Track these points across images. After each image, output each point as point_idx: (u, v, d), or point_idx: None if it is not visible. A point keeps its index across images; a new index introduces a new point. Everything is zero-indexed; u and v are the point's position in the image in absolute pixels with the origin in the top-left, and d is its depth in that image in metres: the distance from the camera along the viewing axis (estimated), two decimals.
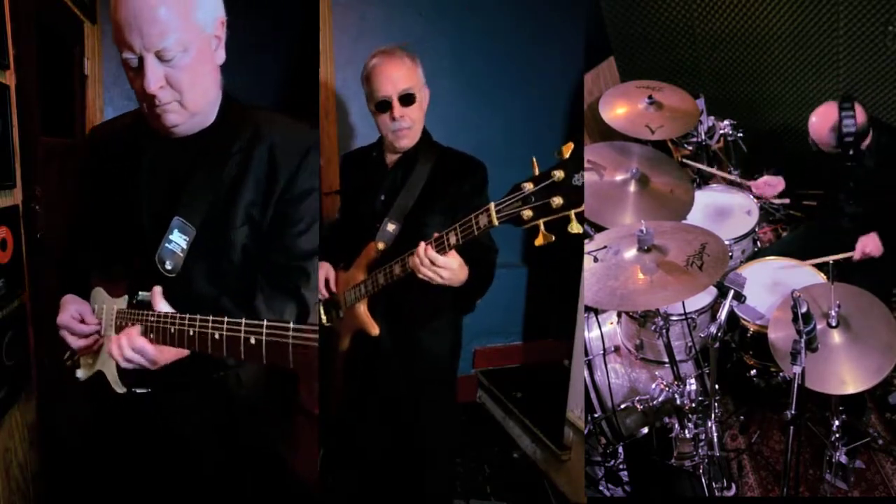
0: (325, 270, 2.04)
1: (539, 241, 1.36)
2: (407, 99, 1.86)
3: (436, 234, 1.61)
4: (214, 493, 1.59)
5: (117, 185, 1.48)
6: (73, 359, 1.61)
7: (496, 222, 1.43)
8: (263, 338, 1.03)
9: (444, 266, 1.61)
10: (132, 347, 1.28)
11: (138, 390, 1.41)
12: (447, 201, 1.88)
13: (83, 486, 1.72)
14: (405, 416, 2.03)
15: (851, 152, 2.36)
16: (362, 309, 1.94)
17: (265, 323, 1.03)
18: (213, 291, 1.43)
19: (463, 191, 1.89)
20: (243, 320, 1.08)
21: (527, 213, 1.35)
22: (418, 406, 2.02)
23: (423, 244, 1.61)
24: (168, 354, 1.30)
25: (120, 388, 1.45)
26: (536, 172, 1.35)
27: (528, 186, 1.34)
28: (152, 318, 1.29)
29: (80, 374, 1.59)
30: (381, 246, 1.88)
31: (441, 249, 1.60)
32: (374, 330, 1.93)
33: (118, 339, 1.30)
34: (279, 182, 1.40)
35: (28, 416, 1.94)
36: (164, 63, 1.27)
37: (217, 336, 1.12)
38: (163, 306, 1.29)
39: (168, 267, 1.37)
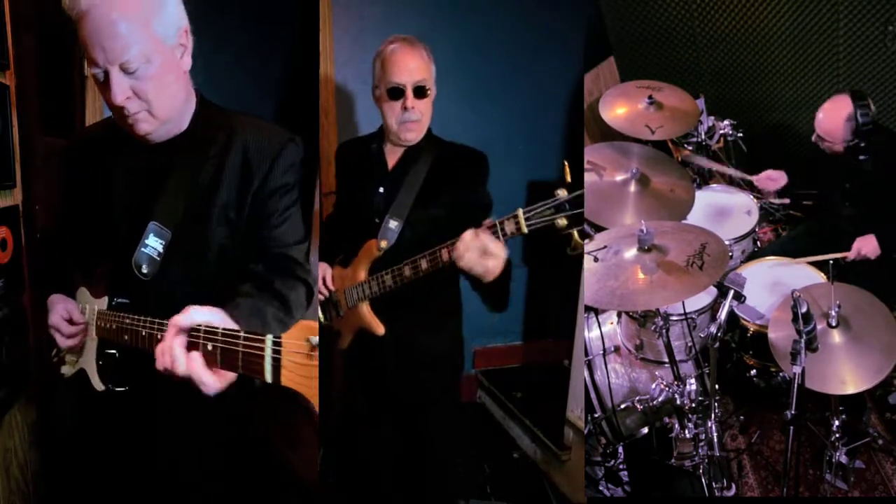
0: (323, 269, 2.01)
1: (572, 251, 1.31)
2: (420, 91, 1.82)
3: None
4: (205, 493, 1.61)
5: (97, 189, 1.52)
6: (59, 356, 1.63)
7: (525, 230, 1.36)
8: (219, 345, 1.07)
9: (494, 254, 1.48)
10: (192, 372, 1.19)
11: (117, 388, 1.44)
12: (449, 194, 1.84)
13: (81, 486, 1.73)
14: (408, 415, 2.02)
15: (863, 144, 2.36)
16: (366, 309, 1.90)
17: (220, 329, 1.08)
18: (193, 291, 1.44)
19: (463, 182, 1.85)
20: (202, 326, 1.11)
21: (561, 222, 1.29)
22: (421, 406, 2.00)
23: (471, 230, 1.48)
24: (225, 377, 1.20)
25: (99, 386, 1.47)
26: (569, 178, 1.28)
27: (562, 193, 1.28)
28: (128, 322, 1.34)
29: (65, 370, 1.62)
30: (383, 244, 1.83)
31: (434, 264, 1.57)
32: (380, 329, 1.88)
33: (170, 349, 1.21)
34: (253, 182, 1.45)
35: (28, 416, 1.94)
36: (128, 75, 1.32)
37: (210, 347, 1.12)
38: (198, 317, 1.19)
39: (144, 271, 1.40)
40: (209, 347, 1.10)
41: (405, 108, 1.82)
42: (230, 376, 1.15)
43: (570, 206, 1.28)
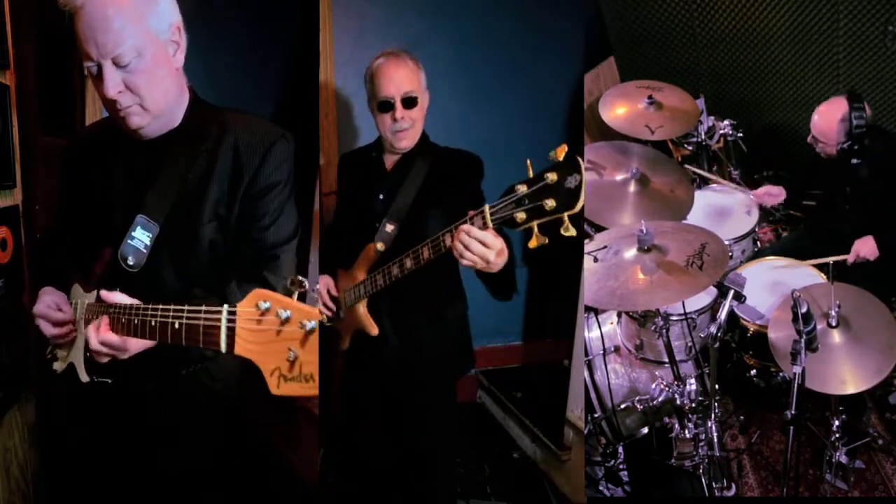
0: (325, 282, 2.03)
1: (533, 244, 1.36)
2: (409, 101, 1.88)
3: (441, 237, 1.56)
4: (199, 490, 1.61)
5: (96, 188, 1.53)
6: (52, 352, 1.64)
7: (490, 224, 1.42)
8: (184, 321, 1.09)
9: (492, 246, 1.46)
10: (98, 339, 1.33)
11: (99, 379, 1.45)
12: (444, 197, 1.88)
13: (80, 484, 1.74)
14: (406, 414, 2.03)
15: (856, 147, 2.36)
16: (362, 309, 1.94)
17: (186, 307, 1.10)
18: (183, 285, 1.47)
19: (459, 185, 1.89)
20: (172, 306, 1.14)
21: (520, 216, 1.34)
22: (420, 405, 2.01)
23: (465, 225, 1.47)
24: (134, 343, 1.34)
25: (84, 377, 1.49)
26: (531, 174, 1.34)
27: (522, 189, 1.34)
28: (112, 311, 1.36)
29: (57, 366, 1.62)
30: (380, 247, 1.88)
31: (437, 250, 1.58)
32: (374, 330, 1.93)
33: (89, 330, 1.36)
34: (244, 178, 1.46)
35: (28, 416, 1.95)
36: (120, 69, 1.34)
37: (153, 323, 1.18)
38: (118, 298, 1.34)
39: (130, 262, 1.42)
40: (176, 326, 1.12)
41: (395, 119, 1.87)
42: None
43: (529, 200, 1.32)
